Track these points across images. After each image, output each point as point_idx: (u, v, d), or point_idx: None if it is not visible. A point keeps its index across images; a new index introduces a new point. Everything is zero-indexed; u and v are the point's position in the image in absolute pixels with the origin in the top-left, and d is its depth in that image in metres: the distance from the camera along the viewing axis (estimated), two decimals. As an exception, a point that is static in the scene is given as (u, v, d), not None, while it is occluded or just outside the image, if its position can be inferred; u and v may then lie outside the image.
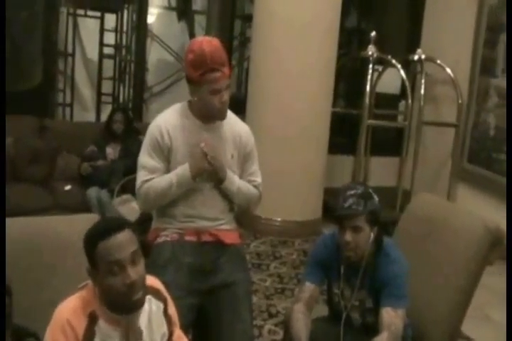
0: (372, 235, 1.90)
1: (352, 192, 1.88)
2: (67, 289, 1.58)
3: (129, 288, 1.44)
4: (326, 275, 2.04)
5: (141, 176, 2.15)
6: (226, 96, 2.08)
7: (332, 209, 1.92)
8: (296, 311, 2.00)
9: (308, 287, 2.04)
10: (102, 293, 1.48)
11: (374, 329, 1.90)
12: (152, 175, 2.12)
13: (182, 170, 2.10)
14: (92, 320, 1.47)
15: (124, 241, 1.46)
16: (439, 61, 4.80)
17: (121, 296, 1.45)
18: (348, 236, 1.86)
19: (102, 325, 1.48)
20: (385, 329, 1.84)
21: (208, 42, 2.03)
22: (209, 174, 2.13)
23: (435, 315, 2.05)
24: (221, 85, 2.05)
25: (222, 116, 2.14)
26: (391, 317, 1.85)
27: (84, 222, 1.89)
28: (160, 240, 2.17)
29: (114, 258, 1.43)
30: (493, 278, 3.38)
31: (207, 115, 2.13)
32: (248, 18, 5.33)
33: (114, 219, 1.69)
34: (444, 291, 2.06)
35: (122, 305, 1.47)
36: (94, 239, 1.47)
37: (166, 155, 2.13)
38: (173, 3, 6.83)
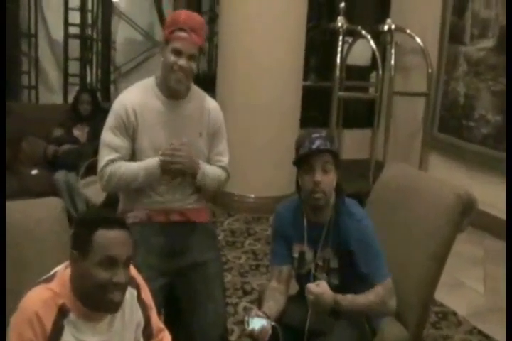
0: (334, 181, 1.90)
1: (317, 134, 1.88)
2: (26, 280, 1.53)
3: (113, 285, 1.38)
4: (290, 242, 2.00)
5: (104, 154, 2.09)
6: (186, 64, 2.02)
7: (300, 152, 1.89)
8: (269, 289, 1.99)
9: (278, 268, 2.02)
10: (78, 282, 1.41)
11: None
12: (116, 153, 2.07)
13: (151, 167, 2.06)
14: (62, 313, 1.40)
15: (125, 240, 1.41)
16: (408, 30, 4.77)
17: (100, 291, 1.38)
18: (318, 176, 1.86)
19: (73, 319, 1.41)
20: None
21: (188, 11, 2.10)
22: (180, 170, 2.09)
23: (409, 283, 2.05)
24: (185, 48, 2.01)
25: (177, 85, 2.06)
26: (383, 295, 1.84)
27: (44, 207, 1.85)
28: (128, 222, 2.12)
29: (113, 254, 1.37)
30: (463, 244, 3.43)
31: (167, 85, 2.07)
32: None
33: (119, 216, 1.62)
34: (417, 259, 2.05)
35: (97, 300, 1.40)
36: (95, 223, 1.40)
37: (130, 134, 2.08)
38: (140, -20, 6.65)
